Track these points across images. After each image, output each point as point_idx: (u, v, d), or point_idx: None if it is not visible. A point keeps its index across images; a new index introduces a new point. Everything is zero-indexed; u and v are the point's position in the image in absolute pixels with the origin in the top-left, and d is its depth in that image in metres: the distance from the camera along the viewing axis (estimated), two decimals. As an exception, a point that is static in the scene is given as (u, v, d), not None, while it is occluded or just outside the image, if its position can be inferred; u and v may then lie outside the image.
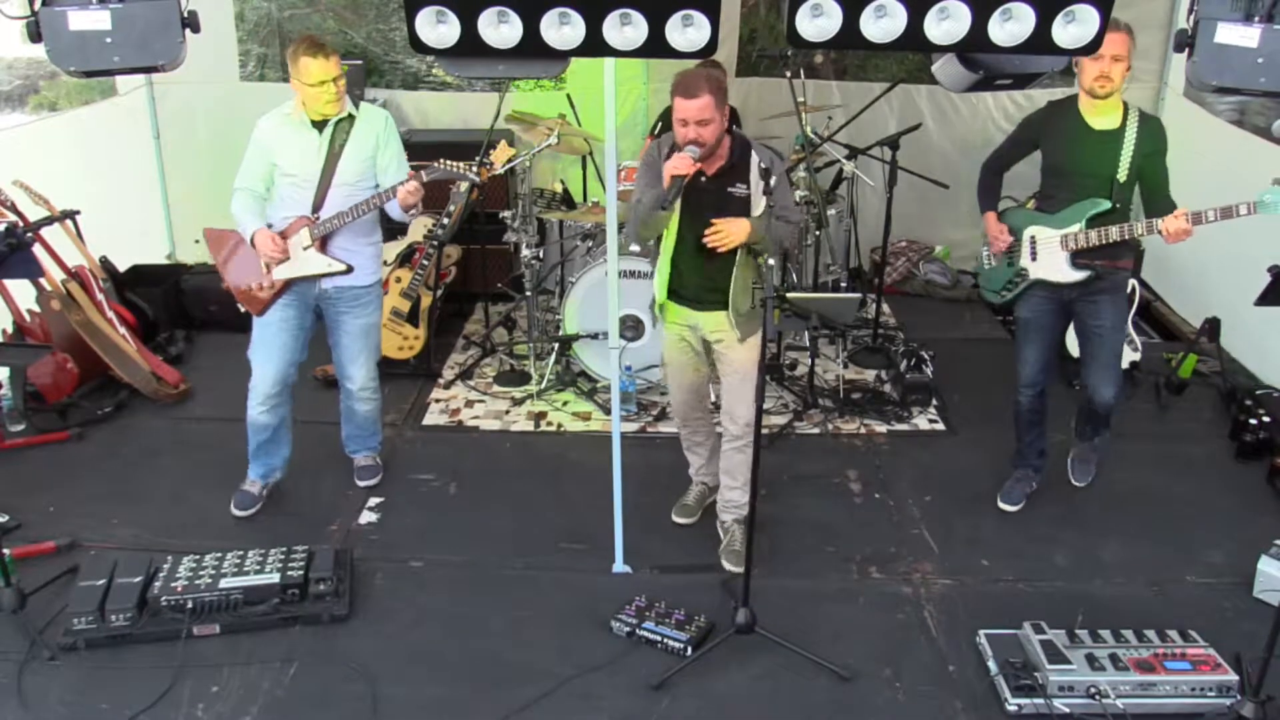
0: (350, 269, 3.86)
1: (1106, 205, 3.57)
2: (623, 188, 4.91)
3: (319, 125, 3.77)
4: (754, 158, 3.42)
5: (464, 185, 5.03)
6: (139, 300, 5.47)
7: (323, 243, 3.81)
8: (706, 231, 3.35)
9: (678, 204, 3.34)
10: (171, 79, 5.88)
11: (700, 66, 5.34)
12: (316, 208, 3.79)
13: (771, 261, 3.02)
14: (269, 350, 3.89)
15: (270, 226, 3.79)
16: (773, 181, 3.38)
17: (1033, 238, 3.76)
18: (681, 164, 3.18)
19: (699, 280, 3.52)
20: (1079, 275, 3.67)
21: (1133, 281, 5.07)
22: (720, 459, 3.79)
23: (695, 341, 3.66)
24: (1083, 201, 3.62)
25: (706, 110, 3.22)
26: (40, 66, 5.45)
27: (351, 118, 3.82)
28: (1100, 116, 3.56)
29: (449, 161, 3.83)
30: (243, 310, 3.98)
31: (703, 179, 3.39)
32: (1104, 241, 3.58)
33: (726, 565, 3.68)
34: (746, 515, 3.65)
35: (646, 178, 3.50)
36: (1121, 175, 3.55)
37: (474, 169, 3.88)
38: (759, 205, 3.42)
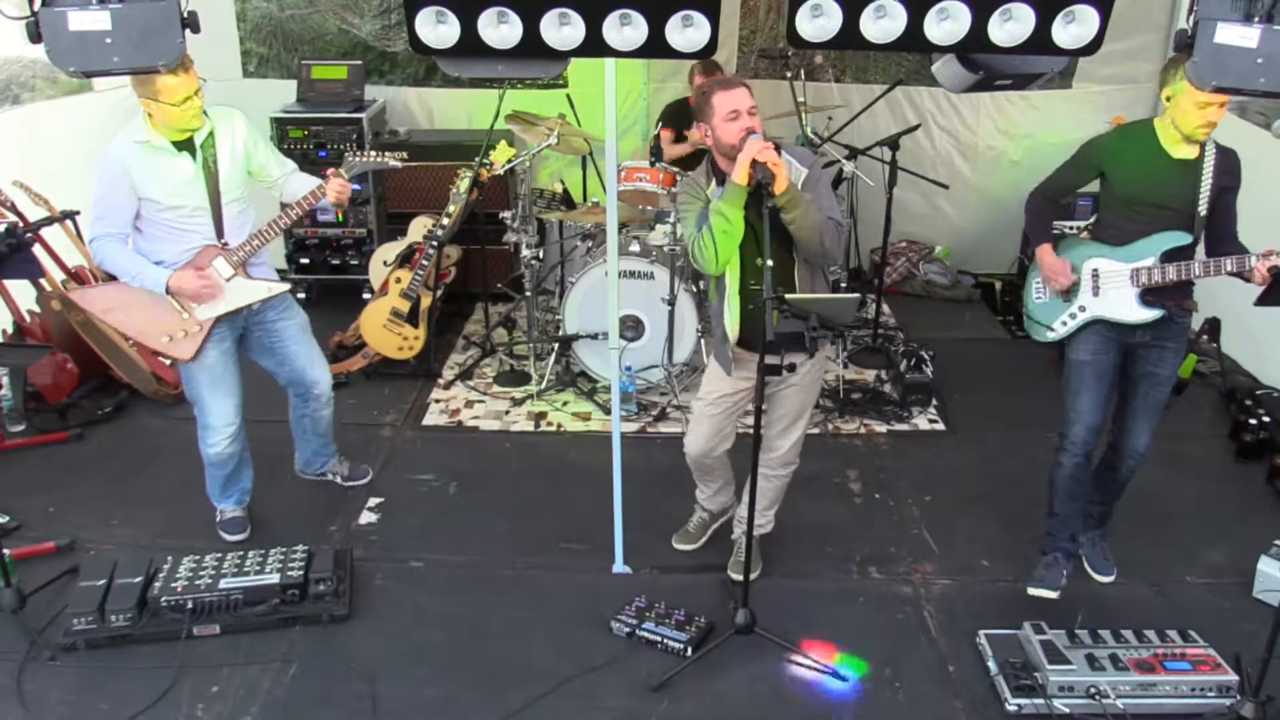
0: (292, 286, 3.73)
1: (1188, 239, 3.27)
2: (623, 188, 4.92)
3: (182, 146, 3.42)
4: (785, 156, 3.18)
5: (463, 185, 5.04)
6: (139, 300, 5.46)
7: (243, 267, 3.58)
8: (760, 150, 2.95)
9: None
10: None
11: (697, 66, 5.38)
12: (220, 233, 3.52)
13: (770, 262, 2.96)
14: (222, 386, 3.66)
15: (160, 264, 3.48)
16: (802, 181, 3.14)
17: (1095, 271, 3.40)
18: (757, 144, 2.93)
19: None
20: (1149, 315, 3.32)
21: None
22: (730, 489, 3.74)
23: (748, 393, 3.36)
24: (1159, 234, 3.28)
25: (751, 98, 3.07)
26: (28, 67, 5.42)
27: (211, 131, 3.48)
28: (1180, 145, 3.24)
29: (364, 153, 3.74)
30: (169, 362, 3.61)
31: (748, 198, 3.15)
32: (1183, 278, 3.25)
33: (734, 576, 3.60)
34: (758, 528, 3.63)
35: (697, 209, 3.23)
36: (1202, 208, 3.24)
37: (394, 156, 3.74)
38: None
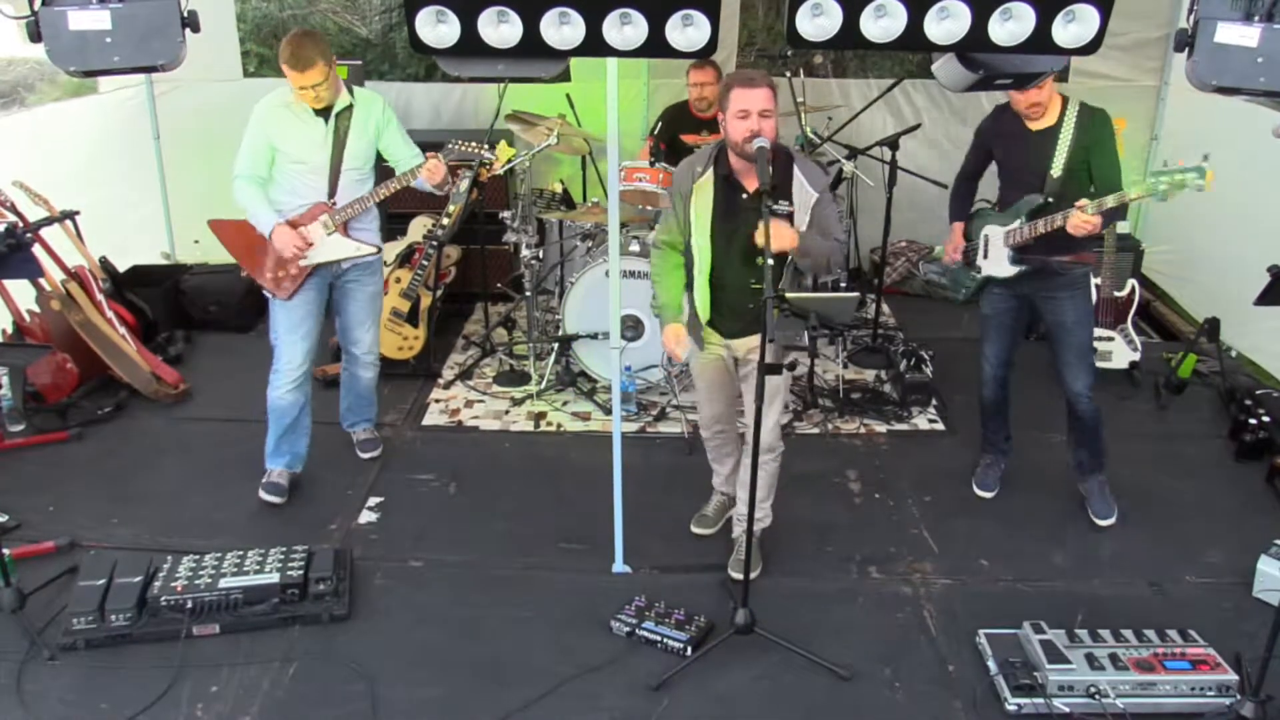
0: (379, 250, 4.11)
1: (1039, 201, 3.71)
2: (623, 187, 4.91)
3: (322, 113, 3.88)
4: (797, 174, 3.23)
5: (464, 185, 5.04)
6: (139, 300, 5.48)
7: (344, 227, 3.98)
8: (757, 235, 3.06)
9: (707, 229, 3.26)
10: (172, 79, 5.88)
11: (695, 66, 5.37)
12: (332, 194, 3.95)
13: (770, 261, 2.96)
14: (298, 332, 4.05)
15: (279, 212, 3.91)
16: (811, 205, 3.21)
17: (986, 237, 3.92)
18: (778, 234, 3.03)
19: (741, 309, 3.34)
20: (1014, 270, 3.82)
21: (1133, 281, 5.09)
22: (737, 474, 3.76)
23: (729, 360, 3.57)
24: (1023, 199, 3.76)
25: (769, 101, 3.09)
26: (34, 68, 5.45)
27: (351, 106, 3.92)
28: (1034, 119, 3.71)
29: (465, 142, 4.10)
30: (269, 295, 4.06)
31: (744, 196, 3.24)
32: (1035, 235, 3.70)
33: (735, 575, 3.58)
34: (757, 522, 3.62)
35: (673, 213, 3.41)
36: (1055, 171, 3.66)
37: (487, 148, 4.12)
38: (804, 224, 3.26)
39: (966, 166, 4.09)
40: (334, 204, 3.95)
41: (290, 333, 4.04)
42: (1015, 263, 3.81)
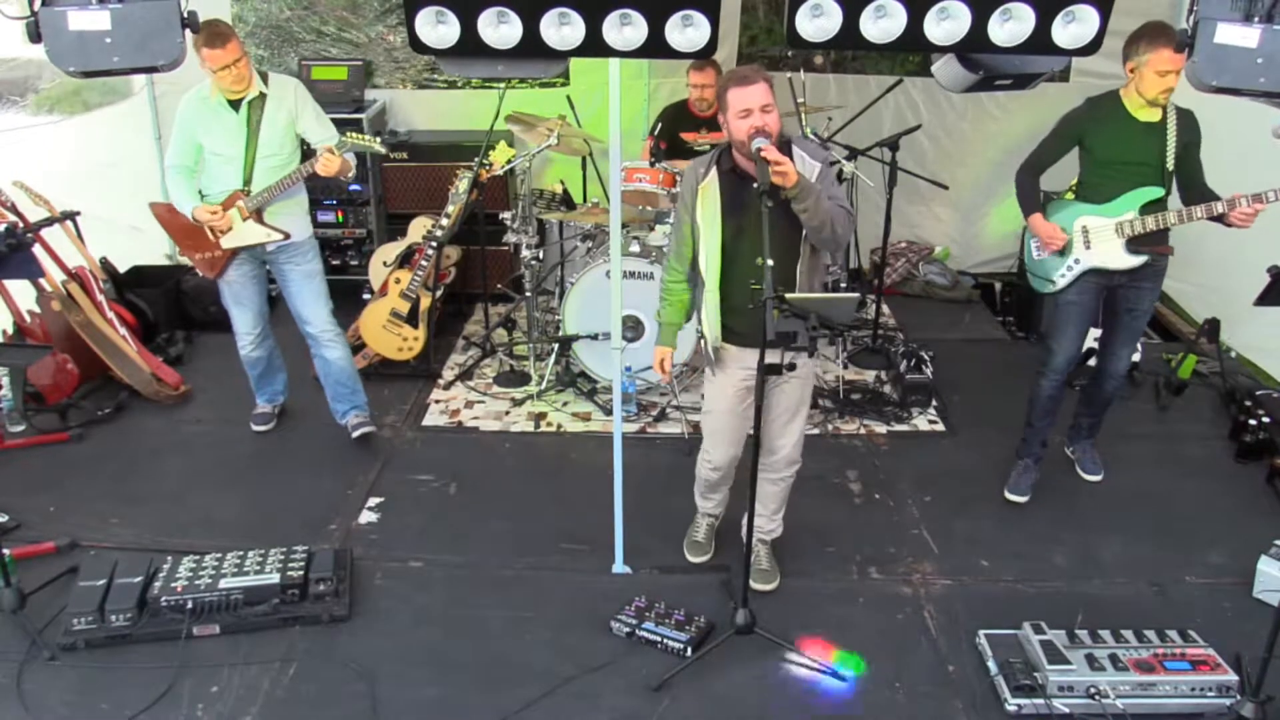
0: (288, 235, 4.23)
1: (1160, 192, 3.72)
2: (623, 188, 4.90)
3: (235, 105, 4.05)
4: (796, 151, 3.16)
5: (463, 186, 5.05)
6: (139, 301, 5.48)
7: (257, 213, 4.17)
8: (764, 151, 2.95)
9: (717, 228, 3.19)
10: (172, 79, 5.88)
11: (694, 68, 5.37)
12: (247, 182, 4.13)
13: (770, 262, 2.95)
14: (243, 300, 4.42)
15: (204, 197, 4.16)
16: (815, 174, 3.14)
17: (1084, 228, 3.83)
18: (772, 150, 2.95)
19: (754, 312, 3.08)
20: (1136, 261, 3.78)
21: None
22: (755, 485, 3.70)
23: (751, 382, 3.25)
24: (1135, 190, 3.73)
25: (767, 95, 3.05)
26: (31, 66, 5.46)
27: (263, 95, 4.07)
28: (1144, 110, 3.70)
29: (356, 135, 4.18)
30: (200, 274, 4.45)
31: (753, 185, 3.13)
32: (1160, 227, 3.71)
33: (758, 587, 3.53)
34: (769, 533, 3.66)
35: (681, 226, 3.33)
36: (1170, 164, 3.70)
37: (378, 140, 4.23)
38: None
39: (1043, 159, 3.95)
40: (247, 192, 4.13)
41: (235, 304, 4.42)
42: (1136, 254, 3.77)
